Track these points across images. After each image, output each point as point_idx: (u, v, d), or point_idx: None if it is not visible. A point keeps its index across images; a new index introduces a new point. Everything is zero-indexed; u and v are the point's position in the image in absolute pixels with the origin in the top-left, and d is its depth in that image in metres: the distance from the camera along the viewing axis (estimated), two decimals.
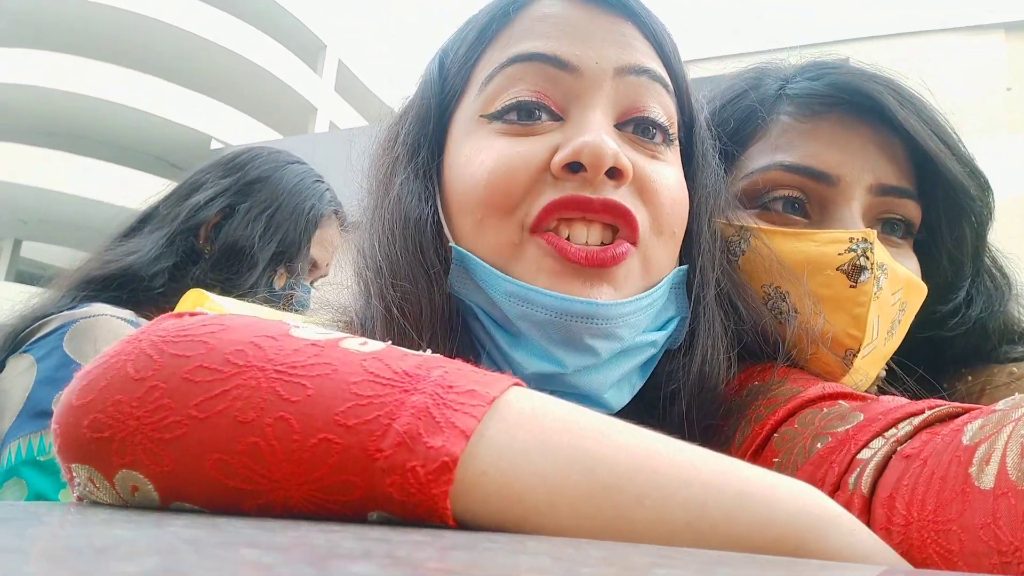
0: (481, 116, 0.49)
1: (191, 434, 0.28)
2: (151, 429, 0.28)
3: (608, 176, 0.46)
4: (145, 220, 1.16)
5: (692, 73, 0.56)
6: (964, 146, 0.64)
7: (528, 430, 0.30)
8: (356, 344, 0.32)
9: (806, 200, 0.61)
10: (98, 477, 0.29)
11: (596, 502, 0.29)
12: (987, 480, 0.32)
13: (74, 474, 0.30)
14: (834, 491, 0.40)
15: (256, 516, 0.28)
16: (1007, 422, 0.33)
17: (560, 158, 0.46)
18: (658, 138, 0.50)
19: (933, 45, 9.77)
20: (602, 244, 0.46)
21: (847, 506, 0.38)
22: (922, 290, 0.62)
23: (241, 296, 0.96)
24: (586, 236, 0.45)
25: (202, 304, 0.53)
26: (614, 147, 0.45)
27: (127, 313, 0.97)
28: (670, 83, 0.51)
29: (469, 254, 0.47)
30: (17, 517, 0.25)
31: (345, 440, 0.28)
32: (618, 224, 0.46)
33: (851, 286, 0.56)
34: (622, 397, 0.48)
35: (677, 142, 0.52)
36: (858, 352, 0.56)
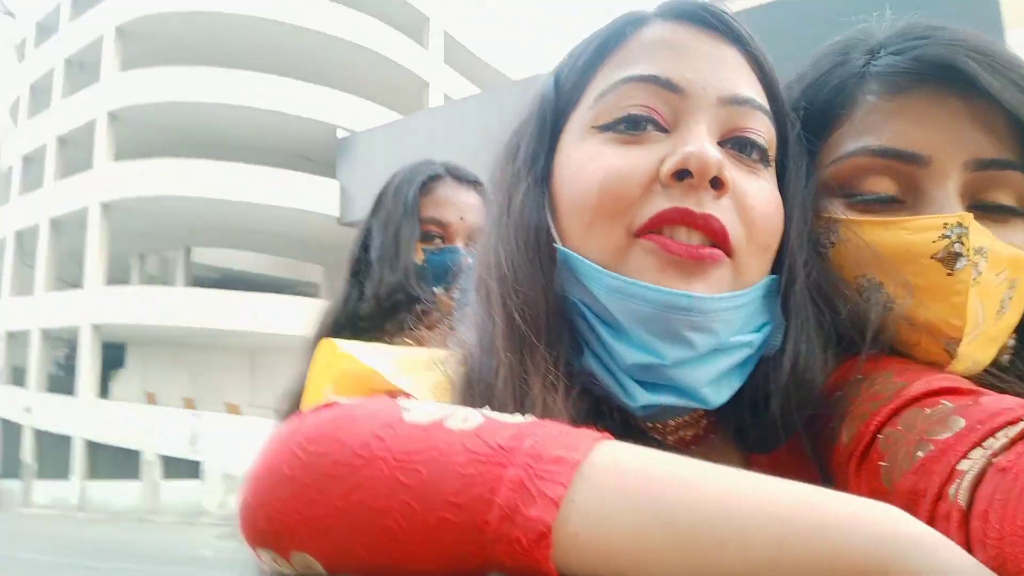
0: (592, 127, 0.53)
1: (339, 523, 0.34)
2: (309, 520, 0.34)
3: (711, 185, 0.49)
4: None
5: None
6: None
7: (612, 489, 0.33)
8: (459, 421, 0.37)
9: (897, 184, 0.58)
10: (280, 559, 0.36)
11: (681, 551, 0.32)
12: None
13: (261, 555, 0.37)
14: (936, 501, 0.41)
15: None
16: None
17: (669, 166, 0.49)
18: (755, 155, 0.53)
19: None
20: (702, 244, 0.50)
21: (947, 518, 0.40)
22: None
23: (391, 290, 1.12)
24: (688, 240, 0.49)
25: (333, 355, 0.57)
26: (719, 157, 0.48)
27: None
28: (769, 109, 0.54)
29: (574, 254, 0.51)
30: None
31: (458, 517, 0.32)
32: (715, 240, 0.49)
33: (948, 274, 0.54)
34: (720, 395, 0.50)
35: (773, 163, 0.55)
36: (961, 341, 0.55)
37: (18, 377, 23.17)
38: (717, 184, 0.49)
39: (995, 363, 0.59)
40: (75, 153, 21.84)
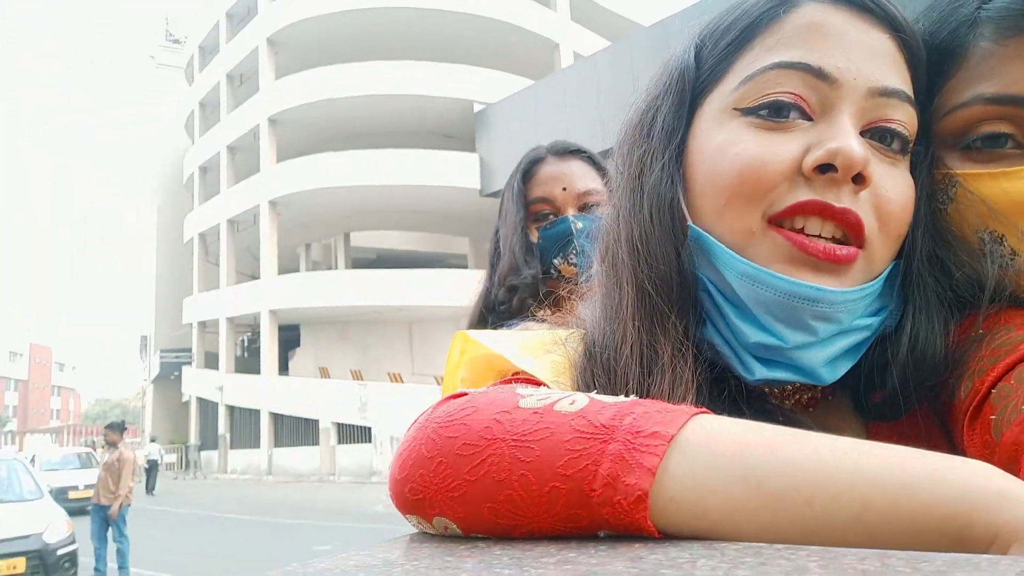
0: (735, 108, 0.52)
1: (470, 493, 0.40)
2: (445, 491, 0.40)
3: (852, 180, 0.49)
4: None
5: None
6: None
7: (702, 458, 0.37)
8: (567, 404, 0.41)
9: (1016, 131, 0.56)
10: (424, 522, 0.42)
11: (769, 510, 0.35)
12: None
13: (410, 520, 0.43)
14: None
15: (523, 542, 0.39)
16: None
17: (814, 159, 0.48)
18: (896, 145, 0.52)
19: None
20: (833, 239, 0.50)
21: None
22: None
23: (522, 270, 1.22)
24: (820, 229, 0.49)
25: (465, 342, 0.63)
26: (864, 154, 0.48)
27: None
28: (914, 99, 0.53)
29: (706, 235, 0.52)
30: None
31: (568, 486, 0.37)
32: (849, 233, 0.49)
33: None
34: (836, 372, 0.51)
35: (910, 153, 0.54)
36: None
37: (211, 361, 25.86)
38: (859, 179, 0.49)
39: None
40: (244, 159, 23.86)
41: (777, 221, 0.49)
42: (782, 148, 0.50)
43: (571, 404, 0.41)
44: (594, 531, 0.38)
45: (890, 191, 0.50)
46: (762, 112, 0.51)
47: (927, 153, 0.56)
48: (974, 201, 0.55)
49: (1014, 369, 0.47)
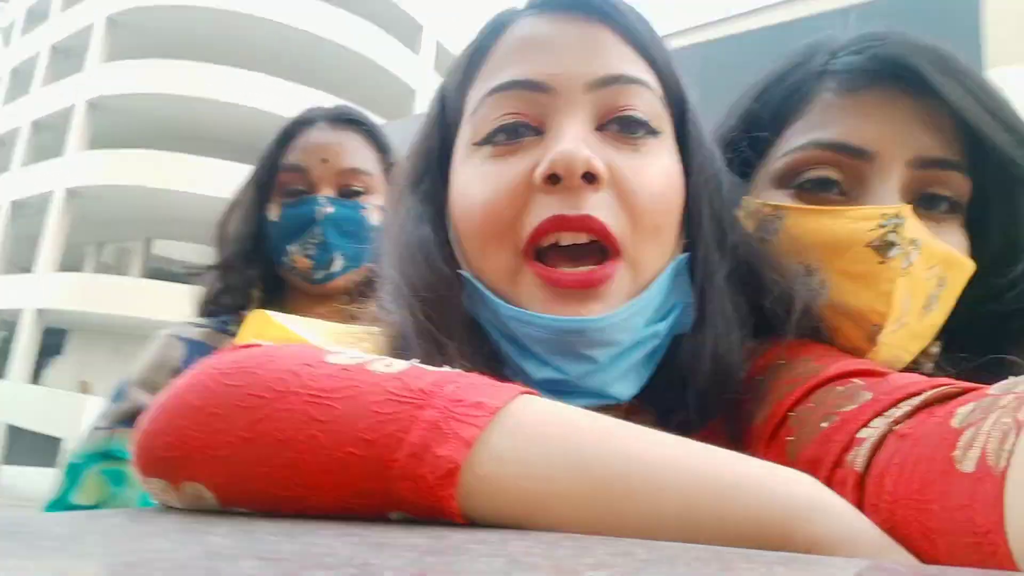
0: (473, 144, 0.51)
1: (240, 453, 0.33)
2: (208, 448, 0.34)
3: (586, 181, 0.47)
4: None
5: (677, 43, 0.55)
6: (1018, 118, 0.60)
7: (528, 436, 0.33)
8: (382, 366, 0.36)
9: (842, 177, 0.60)
10: (169, 488, 0.35)
11: (589, 499, 0.32)
12: (968, 464, 0.33)
13: (151, 486, 0.36)
14: (834, 468, 0.41)
15: (293, 518, 0.32)
16: (995, 408, 0.34)
17: (538, 173, 0.47)
18: (640, 132, 0.50)
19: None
20: (591, 257, 0.48)
21: (843, 482, 0.39)
22: (965, 265, 0.60)
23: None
24: (574, 240, 0.47)
25: (265, 325, 0.55)
26: (585, 152, 0.46)
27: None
28: (648, 78, 0.51)
29: (474, 280, 0.50)
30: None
31: (365, 453, 0.32)
32: (598, 238, 0.47)
33: (880, 262, 0.56)
34: (631, 388, 0.49)
35: (666, 132, 0.52)
36: (883, 328, 0.56)
37: None
38: (591, 179, 0.47)
39: (917, 366, 0.60)
40: (48, 139, 21.41)
41: (533, 249, 0.48)
42: (514, 171, 0.49)
43: (387, 366, 0.37)
44: (385, 511, 0.33)
45: (635, 182, 0.48)
46: (497, 139, 0.50)
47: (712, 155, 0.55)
48: (796, 235, 0.58)
49: (813, 393, 0.47)
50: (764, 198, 0.61)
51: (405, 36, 22.73)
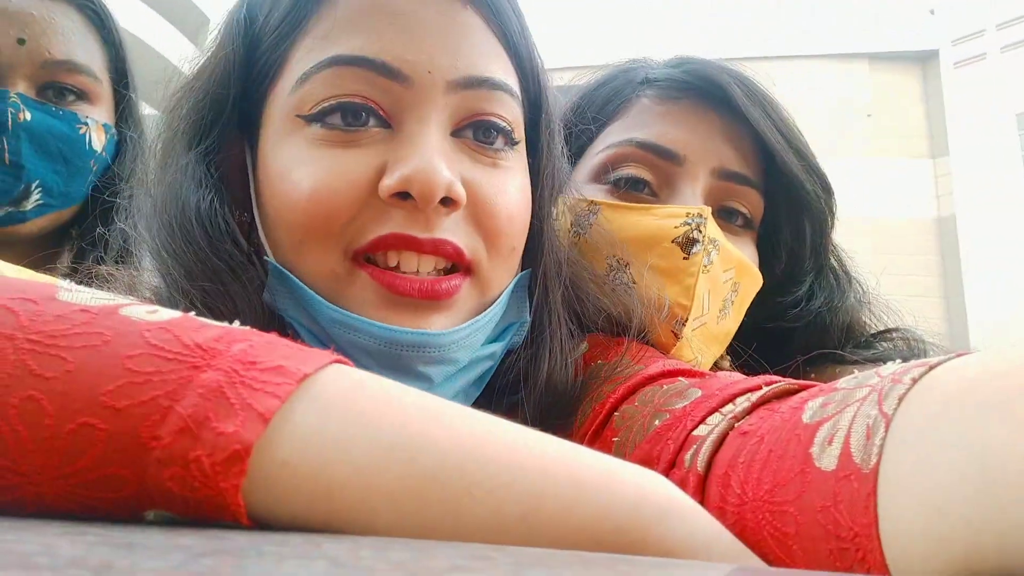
0: (297, 116, 0.43)
1: None
2: None
3: (442, 204, 0.42)
4: None
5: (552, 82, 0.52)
6: (807, 147, 0.68)
7: (343, 412, 0.25)
8: (142, 312, 0.26)
9: (653, 178, 0.65)
10: None
11: (419, 495, 0.25)
12: (828, 461, 0.30)
13: None
14: (669, 468, 0.39)
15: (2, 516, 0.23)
16: (851, 402, 0.31)
17: (389, 186, 0.41)
18: (499, 142, 0.46)
19: (801, 70, 10.05)
20: (436, 269, 0.43)
21: (682, 484, 0.37)
22: (756, 276, 0.66)
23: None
24: (417, 265, 0.42)
25: None
26: (447, 176, 0.42)
27: None
28: (511, 82, 0.46)
29: (289, 274, 0.43)
30: None
31: (112, 426, 0.23)
32: (449, 260, 0.43)
33: (684, 258, 0.60)
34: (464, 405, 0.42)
35: (522, 142, 0.48)
36: (687, 321, 0.59)
37: None
38: (448, 202, 0.43)
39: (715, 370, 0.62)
40: None
41: (365, 256, 0.43)
42: (355, 168, 0.42)
43: (151, 313, 0.27)
44: (138, 509, 0.24)
45: (493, 204, 0.45)
46: (331, 120, 0.43)
47: (563, 164, 0.53)
48: (609, 229, 0.62)
49: (636, 392, 0.46)
50: (581, 191, 0.64)
51: (190, 29, 21.33)
